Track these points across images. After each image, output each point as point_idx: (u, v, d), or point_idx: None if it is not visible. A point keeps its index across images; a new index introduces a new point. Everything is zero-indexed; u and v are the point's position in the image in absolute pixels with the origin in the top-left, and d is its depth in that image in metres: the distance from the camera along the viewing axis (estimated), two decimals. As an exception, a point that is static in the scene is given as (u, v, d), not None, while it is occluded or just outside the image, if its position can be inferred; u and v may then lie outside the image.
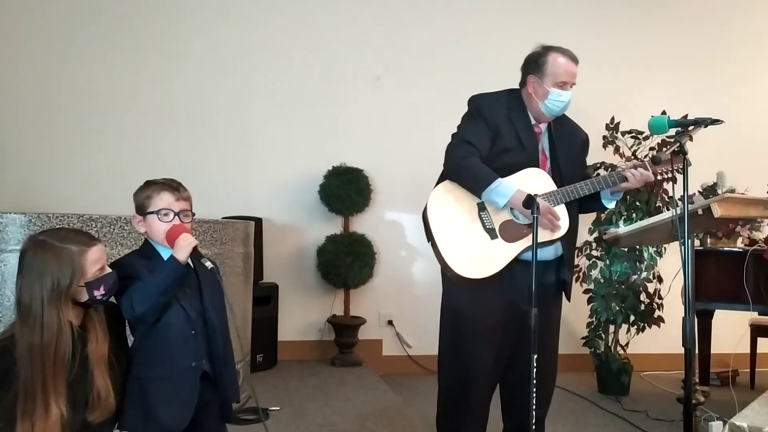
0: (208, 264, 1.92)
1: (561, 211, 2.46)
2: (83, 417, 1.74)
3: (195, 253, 1.89)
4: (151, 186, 1.94)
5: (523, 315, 2.22)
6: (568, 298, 2.67)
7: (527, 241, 2.37)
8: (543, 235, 2.41)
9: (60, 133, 4.50)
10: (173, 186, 1.95)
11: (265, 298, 4.36)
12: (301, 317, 4.77)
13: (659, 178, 2.58)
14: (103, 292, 1.76)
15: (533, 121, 2.55)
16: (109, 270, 1.80)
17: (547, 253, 2.49)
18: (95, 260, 1.75)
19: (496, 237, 2.41)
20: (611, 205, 2.62)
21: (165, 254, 1.91)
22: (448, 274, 2.43)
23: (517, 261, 2.40)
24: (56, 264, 1.70)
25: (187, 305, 1.91)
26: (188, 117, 4.67)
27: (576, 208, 2.57)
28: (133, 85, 4.60)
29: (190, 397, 1.89)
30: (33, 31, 4.51)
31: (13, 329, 1.72)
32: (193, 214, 1.97)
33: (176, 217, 1.91)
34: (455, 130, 2.57)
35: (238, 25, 4.78)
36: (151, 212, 1.90)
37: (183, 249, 1.85)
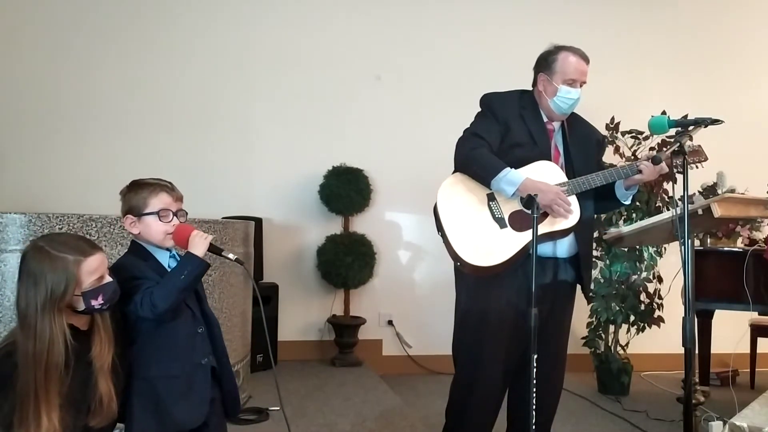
0: (231, 256, 1.93)
1: (572, 201, 2.44)
2: (84, 422, 1.73)
3: (213, 248, 1.89)
4: (145, 187, 1.91)
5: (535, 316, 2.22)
6: (587, 297, 2.67)
7: (539, 230, 2.34)
8: (556, 223, 2.41)
9: (60, 134, 4.49)
10: (169, 186, 1.93)
11: (265, 298, 4.35)
12: (301, 317, 4.77)
13: (674, 171, 2.54)
14: (102, 302, 1.72)
15: (545, 119, 2.57)
16: (109, 279, 1.75)
17: (546, 249, 2.49)
18: (91, 271, 1.70)
19: (506, 226, 2.42)
20: (627, 200, 2.59)
21: (158, 255, 1.90)
22: (458, 264, 2.43)
23: (529, 259, 2.40)
24: (51, 272, 1.66)
25: (191, 303, 1.91)
26: (188, 117, 4.67)
27: (591, 205, 2.57)
28: (132, 85, 4.60)
29: (203, 393, 1.89)
30: (32, 31, 4.51)
31: (15, 335, 1.70)
32: (185, 213, 1.96)
33: (174, 216, 1.90)
34: (459, 130, 2.57)
35: (237, 25, 4.78)
36: (150, 213, 1.87)
37: (200, 244, 1.84)
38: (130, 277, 1.81)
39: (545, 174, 2.44)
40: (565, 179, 2.48)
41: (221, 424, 2.01)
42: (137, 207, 1.89)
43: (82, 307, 1.71)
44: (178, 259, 1.90)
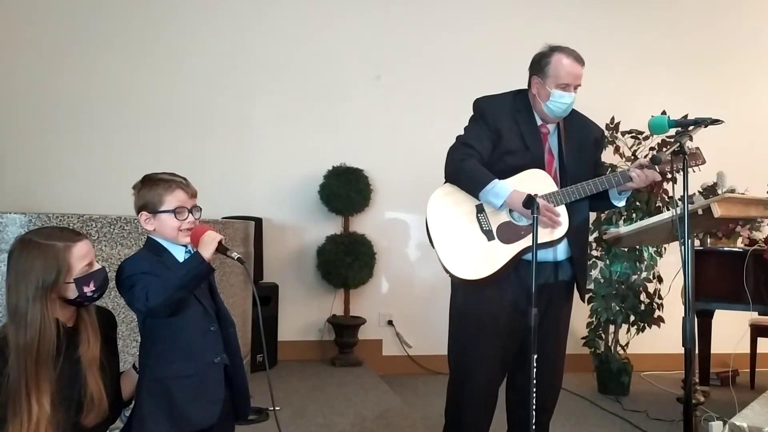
0: (234, 255, 1.88)
1: (561, 211, 2.43)
2: (77, 420, 1.73)
3: (220, 247, 1.85)
4: (160, 183, 1.86)
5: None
6: (582, 299, 2.67)
7: (525, 242, 2.37)
8: (542, 236, 2.39)
9: (59, 133, 4.50)
10: (184, 183, 1.90)
11: (265, 298, 4.36)
12: (301, 317, 4.77)
13: (668, 177, 2.52)
14: (94, 289, 1.73)
15: (539, 122, 2.53)
16: (98, 266, 1.77)
17: (547, 255, 2.48)
18: (81, 256, 1.72)
19: (494, 239, 2.41)
20: (620, 203, 2.59)
21: (174, 251, 1.88)
22: (448, 275, 2.44)
23: (521, 262, 2.40)
24: (42, 261, 1.67)
25: (204, 300, 1.88)
26: (188, 117, 4.67)
27: (585, 208, 2.56)
28: (132, 85, 4.60)
29: (216, 392, 1.86)
30: (32, 31, 4.51)
31: (6, 330, 1.70)
32: (200, 209, 1.93)
33: (190, 213, 1.87)
34: (459, 130, 2.56)
35: (237, 24, 4.78)
36: (166, 211, 1.84)
37: (209, 245, 1.80)
38: (139, 272, 1.78)
39: (535, 183, 2.41)
40: (556, 188, 2.45)
41: (228, 426, 1.97)
42: (152, 204, 1.85)
43: (74, 294, 1.72)
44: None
